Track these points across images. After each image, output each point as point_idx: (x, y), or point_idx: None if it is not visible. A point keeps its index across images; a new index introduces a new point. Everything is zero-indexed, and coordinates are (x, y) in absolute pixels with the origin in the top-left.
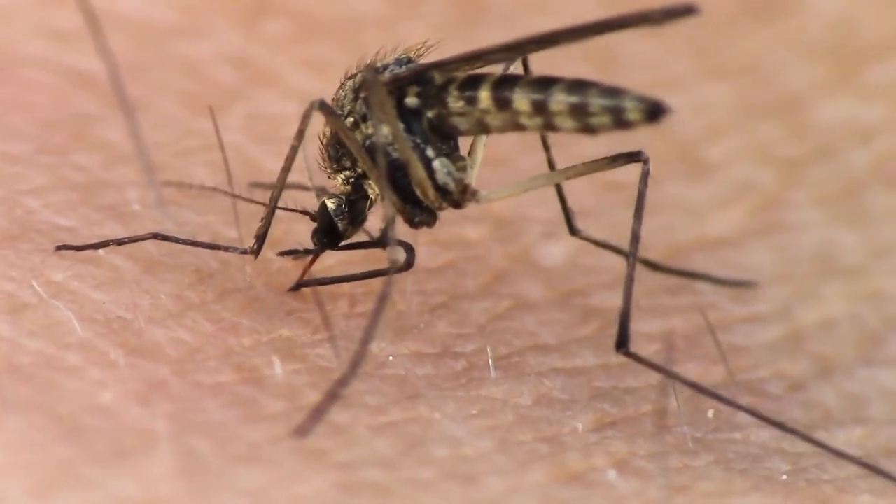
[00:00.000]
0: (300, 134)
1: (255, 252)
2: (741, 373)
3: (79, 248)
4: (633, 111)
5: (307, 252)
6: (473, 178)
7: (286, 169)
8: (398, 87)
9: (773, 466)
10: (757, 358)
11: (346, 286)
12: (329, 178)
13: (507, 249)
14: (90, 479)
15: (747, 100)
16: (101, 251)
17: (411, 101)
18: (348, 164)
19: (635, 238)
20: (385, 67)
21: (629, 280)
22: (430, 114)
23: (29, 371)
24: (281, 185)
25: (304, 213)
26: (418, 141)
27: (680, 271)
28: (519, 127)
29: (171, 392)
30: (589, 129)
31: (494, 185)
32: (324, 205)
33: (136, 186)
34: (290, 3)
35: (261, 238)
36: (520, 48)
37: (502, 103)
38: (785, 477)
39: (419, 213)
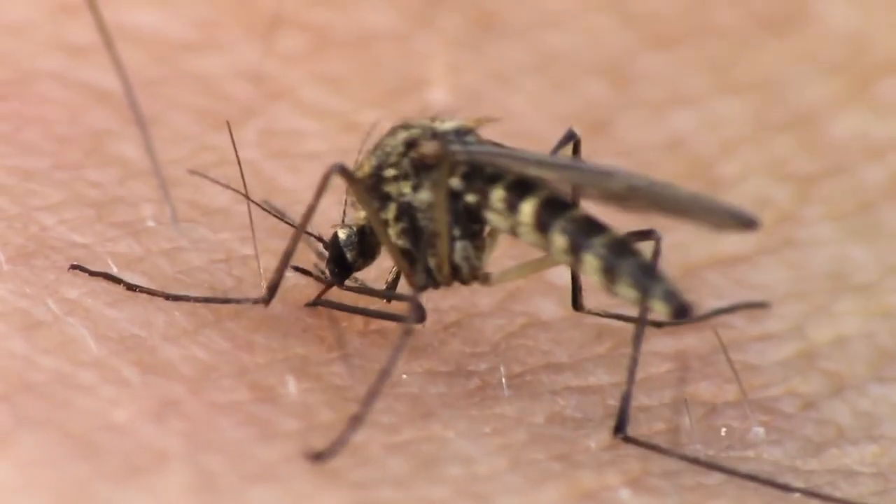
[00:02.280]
0: (318, 194)
1: (266, 301)
2: (754, 391)
3: (91, 274)
4: (658, 305)
5: (318, 279)
6: (487, 262)
7: (302, 227)
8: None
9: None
10: (770, 376)
11: (361, 303)
12: (352, 206)
13: None
14: (104, 497)
15: (761, 115)
16: (115, 268)
17: (455, 182)
18: (376, 205)
19: (642, 324)
20: (444, 134)
21: (632, 365)
22: (468, 198)
23: (43, 389)
24: (295, 241)
25: (319, 239)
26: (449, 218)
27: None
28: (546, 249)
29: (184, 410)
30: (611, 292)
31: None
32: (335, 235)
33: (151, 203)
34: (304, 17)
35: (273, 289)
36: (582, 187)
37: (541, 227)
38: (798, 495)
39: (424, 280)
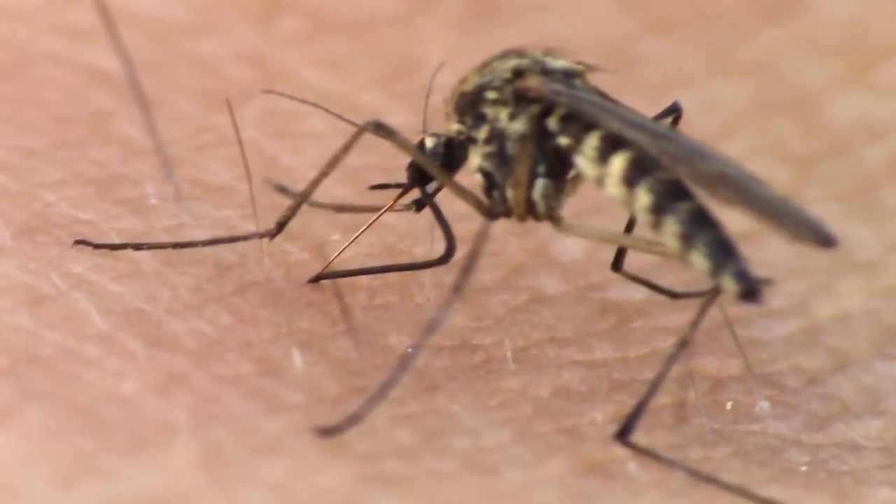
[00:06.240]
0: (346, 148)
1: (272, 235)
2: (759, 366)
3: (95, 247)
4: (728, 283)
5: (398, 186)
6: (563, 204)
7: (324, 174)
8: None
9: (792, 458)
10: (774, 352)
11: (364, 278)
12: (445, 116)
13: (524, 244)
14: (110, 469)
15: (761, 98)
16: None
17: (552, 123)
18: (470, 122)
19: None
20: (552, 72)
21: (661, 375)
22: (562, 140)
23: (48, 362)
24: (314, 186)
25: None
26: (536, 154)
27: (698, 293)
28: (629, 205)
29: (190, 383)
30: (683, 259)
31: None
32: (421, 141)
33: (154, 181)
34: (303, 1)
35: (281, 225)
36: (674, 161)
37: (629, 182)
38: (804, 468)
39: (500, 208)
